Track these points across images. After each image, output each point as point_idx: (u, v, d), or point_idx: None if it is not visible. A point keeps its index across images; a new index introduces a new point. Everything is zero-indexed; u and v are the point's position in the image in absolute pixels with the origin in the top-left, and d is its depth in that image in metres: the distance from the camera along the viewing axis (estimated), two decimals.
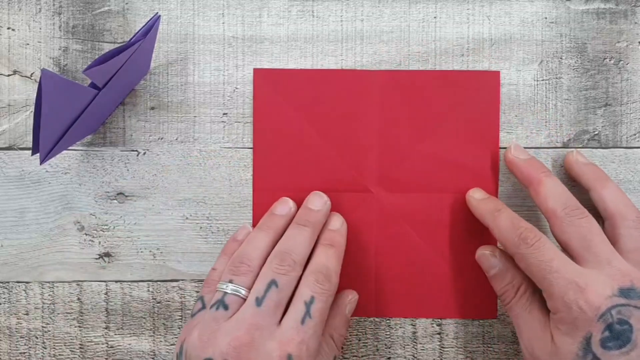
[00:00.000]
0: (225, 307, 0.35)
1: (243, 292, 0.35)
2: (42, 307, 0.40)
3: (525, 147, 0.41)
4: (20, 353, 0.40)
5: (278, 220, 0.38)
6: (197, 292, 0.41)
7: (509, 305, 0.37)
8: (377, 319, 0.41)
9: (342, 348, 0.40)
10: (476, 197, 0.39)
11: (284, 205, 0.39)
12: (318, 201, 0.39)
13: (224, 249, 0.39)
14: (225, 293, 0.35)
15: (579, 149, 0.40)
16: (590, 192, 0.38)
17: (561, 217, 0.36)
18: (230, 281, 0.35)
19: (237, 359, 0.33)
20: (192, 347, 0.34)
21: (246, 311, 0.34)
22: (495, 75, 0.40)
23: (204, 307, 0.36)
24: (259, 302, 0.34)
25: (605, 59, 0.41)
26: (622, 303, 0.33)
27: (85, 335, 0.41)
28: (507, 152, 0.39)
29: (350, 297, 0.39)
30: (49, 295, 0.40)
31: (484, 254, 0.38)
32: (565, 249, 0.36)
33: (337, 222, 0.39)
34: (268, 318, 0.34)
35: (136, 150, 0.41)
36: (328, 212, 0.39)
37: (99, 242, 0.40)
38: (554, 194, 0.36)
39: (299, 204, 0.39)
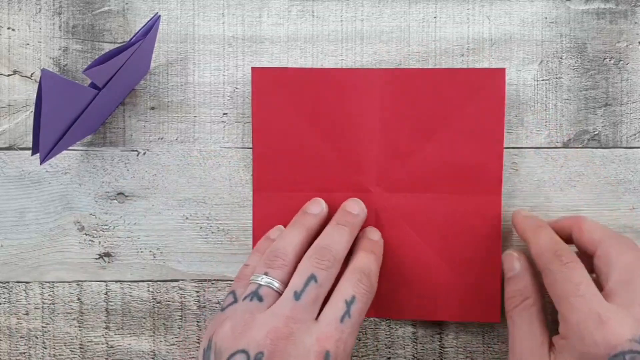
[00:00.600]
0: (260, 299, 0.34)
1: (277, 284, 0.35)
2: (42, 307, 0.40)
3: (525, 147, 0.41)
4: (20, 353, 0.40)
5: (311, 219, 0.38)
6: (197, 292, 0.41)
7: (511, 312, 0.37)
8: (377, 319, 0.41)
9: None
10: (522, 213, 0.39)
11: (317, 205, 0.39)
12: (356, 206, 0.39)
13: (257, 246, 0.39)
14: (260, 285, 0.35)
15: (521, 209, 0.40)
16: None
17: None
18: (266, 274, 0.35)
19: (274, 351, 0.32)
20: (223, 339, 0.33)
21: (284, 304, 0.33)
22: (500, 72, 0.40)
23: (235, 300, 0.36)
24: (297, 296, 0.34)
25: (605, 59, 0.41)
26: (639, 350, 0.31)
27: (85, 335, 0.41)
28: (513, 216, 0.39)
29: None
30: (49, 295, 0.40)
31: (510, 254, 0.38)
32: (602, 281, 0.34)
33: (376, 235, 0.39)
34: (306, 313, 0.33)
35: (136, 150, 0.41)
36: (365, 219, 0.39)
37: (99, 242, 0.40)
38: (599, 228, 0.36)
39: (299, 204, 0.39)
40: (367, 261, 0.36)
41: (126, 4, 0.40)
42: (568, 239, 0.37)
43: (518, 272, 0.38)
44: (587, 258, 0.36)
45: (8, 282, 0.40)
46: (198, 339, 0.41)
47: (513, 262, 0.38)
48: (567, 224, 0.38)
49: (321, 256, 0.35)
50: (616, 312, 0.32)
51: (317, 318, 0.34)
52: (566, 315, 0.33)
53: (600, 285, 0.34)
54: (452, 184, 0.40)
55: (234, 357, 0.32)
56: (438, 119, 0.40)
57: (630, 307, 0.32)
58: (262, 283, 0.35)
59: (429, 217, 0.40)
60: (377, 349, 0.41)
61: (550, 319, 0.36)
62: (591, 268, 0.36)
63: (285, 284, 0.35)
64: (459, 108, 0.40)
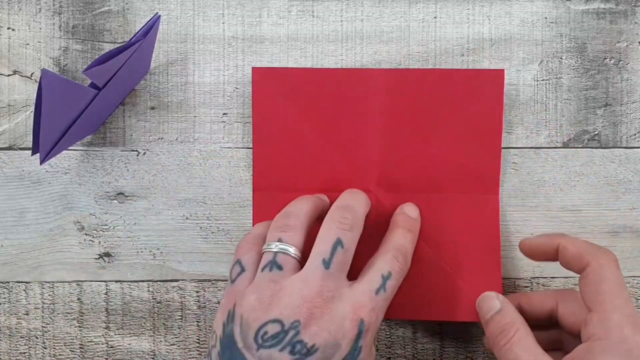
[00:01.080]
0: (280, 268, 0.33)
1: (293, 250, 0.34)
2: (42, 307, 0.40)
3: (525, 147, 0.41)
4: (20, 353, 0.40)
5: (318, 199, 0.38)
6: (197, 292, 0.41)
7: (506, 347, 0.34)
8: None
9: None
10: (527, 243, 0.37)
11: (321, 195, 0.39)
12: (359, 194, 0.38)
13: (264, 222, 0.38)
14: (275, 253, 0.34)
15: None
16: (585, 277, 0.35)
17: None
18: (279, 240, 0.34)
19: (310, 318, 0.31)
20: (250, 310, 0.32)
21: (315, 272, 0.33)
22: (500, 73, 0.40)
23: (243, 270, 0.35)
24: (326, 264, 0.33)
25: (605, 59, 0.41)
26: None
27: (85, 335, 0.41)
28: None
29: None
30: (49, 295, 0.40)
31: (486, 295, 0.37)
32: (587, 300, 0.34)
33: (415, 212, 0.39)
34: (338, 280, 0.33)
35: (136, 150, 0.41)
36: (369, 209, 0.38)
37: (99, 242, 0.40)
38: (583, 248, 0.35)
39: None
40: (404, 240, 0.36)
41: (126, 4, 0.40)
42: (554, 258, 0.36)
43: (501, 308, 0.36)
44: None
45: (8, 282, 0.40)
46: (198, 339, 0.41)
47: (492, 301, 0.37)
48: (549, 244, 0.36)
49: (344, 215, 0.35)
50: None
51: (351, 287, 0.33)
52: (606, 316, 0.32)
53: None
54: (451, 184, 0.40)
55: (265, 327, 0.32)
56: (438, 119, 0.40)
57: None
58: (277, 250, 0.34)
59: (428, 217, 0.40)
60: (377, 349, 0.41)
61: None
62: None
63: (300, 249, 0.34)
64: (458, 108, 0.40)
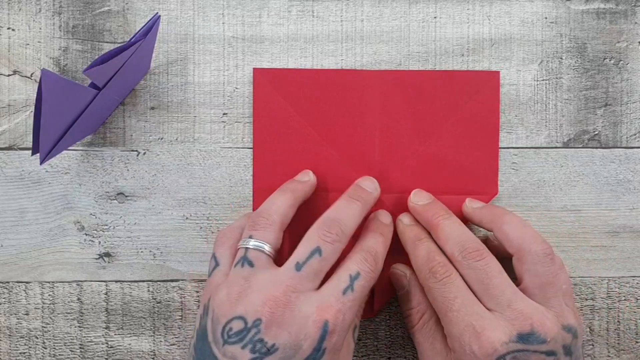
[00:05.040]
0: (251, 264, 0.34)
1: (266, 247, 0.34)
2: (42, 307, 0.40)
3: (525, 147, 0.41)
4: (20, 353, 0.40)
5: (297, 185, 0.38)
6: (197, 292, 0.41)
7: (412, 331, 0.37)
8: (377, 319, 0.41)
9: None
10: (404, 221, 0.39)
11: (304, 174, 0.39)
12: (370, 184, 0.38)
13: (247, 213, 0.39)
14: (247, 249, 0.34)
15: (470, 199, 0.40)
16: (494, 232, 0.37)
17: (459, 261, 0.35)
18: (251, 237, 0.35)
19: (271, 318, 0.32)
20: (219, 305, 0.33)
21: (284, 273, 0.33)
22: (495, 75, 0.40)
23: (217, 264, 0.35)
24: (298, 267, 0.33)
25: (605, 59, 0.41)
26: (519, 349, 0.32)
27: (85, 335, 0.41)
28: (408, 200, 0.39)
29: None
30: (49, 295, 0.40)
31: (395, 273, 0.39)
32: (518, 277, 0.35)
33: (388, 218, 0.38)
34: (306, 283, 0.33)
35: (136, 150, 0.41)
36: (378, 198, 0.38)
37: (99, 242, 0.40)
38: (451, 237, 0.36)
39: None
40: (375, 242, 0.36)
41: (126, 4, 0.40)
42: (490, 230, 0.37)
43: (408, 289, 0.38)
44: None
45: (8, 282, 0.40)
46: None
47: (401, 280, 0.38)
48: (428, 224, 0.37)
49: (329, 229, 0.34)
50: (490, 319, 0.33)
51: (317, 289, 0.33)
52: (448, 330, 0.34)
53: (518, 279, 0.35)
54: (449, 185, 0.40)
55: (231, 323, 0.32)
56: (436, 120, 0.40)
57: (501, 309, 0.33)
58: (250, 246, 0.34)
59: None
60: (377, 349, 0.41)
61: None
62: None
63: (274, 245, 0.35)
64: (455, 109, 0.40)
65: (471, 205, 0.39)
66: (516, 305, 0.33)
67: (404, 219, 0.39)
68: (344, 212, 0.36)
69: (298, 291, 0.33)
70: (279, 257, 0.36)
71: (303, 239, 0.34)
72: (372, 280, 0.35)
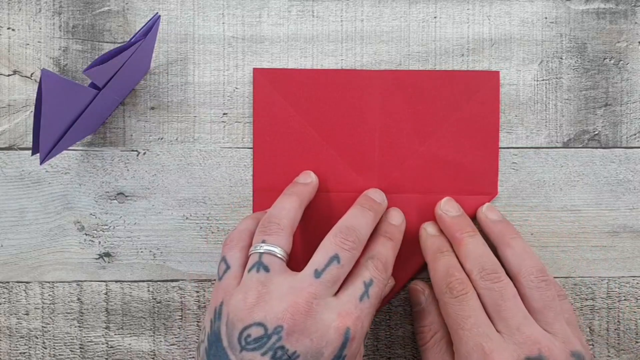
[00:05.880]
0: (266, 269, 0.34)
1: (278, 251, 0.34)
2: (42, 307, 0.40)
3: (525, 147, 0.41)
4: (20, 353, 0.40)
5: (302, 188, 0.38)
6: (197, 292, 0.41)
7: (422, 348, 0.37)
8: (377, 319, 0.41)
9: None
10: (428, 230, 0.39)
11: (307, 176, 0.39)
12: (379, 195, 0.39)
13: (252, 215, 0.39)
14: (261, 254, 0.34)
15: (490, 206, 0.40)
16: (497, 250, 0.38)
17: (476, 280, 0.36)
18: (264, 241, 0.35)
19: (293, 325, 0.31)
20: (235, 310, 0.32)
21: (304, 280, 0.33)
22: (495, 75, 0.40)
23: (228, 267, 0.35)
24: (317, 274, 0.33)
25: (605, 59, 0.41)
26: None
27: (85, 335, 0.41)
28: (437, 206, 0.40)
29: (390, 282, 0.39)
30: (49, 295, 0.40)
31: (414, 289, 0.39)
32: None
33: (399, 218, 0.39)
34: (325, 290, 0.33)
35: (136, 150, 0.41)
36: (386, 208, 0.39)
37: (99, 242, 0.40)
38: (472, 256, 0.36)
39: None
40: (384, 249, 0.36)
41: (126, 4, 0.40)
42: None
43: (424, 307, 0.38)
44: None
45: (8, 282, 0.40)
46: (198, 339, 0.41)
47: (419, 296, 0.39)
48: (452, 237, 0.38)
49: (346, 236, 0.35)
50: (499, 341, 0.33)
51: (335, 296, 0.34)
52: (457, 348, 0.34)
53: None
54: (449, 185, 0.40)
55: (249, 329, 0.32)
56: (436, 120, 0.40)
57: (510, 333, 0.34)
58: (262, 251, 0.34)
59: (427, 218, 0.40)
60: (377, 349, 0.41)
61: None
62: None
63: (286, 249, 0.35)
64: (455, 109, 0.40)
65: (486, 214, 0.39)
66: (525, 329, 0.34)
67: (429, 228, 0.39)
68: (358, 221, 0.36)
69: (319, 297, 0.33)
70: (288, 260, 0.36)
71: (319, 246, 0.35)
72: (384, 286, 0.35)
